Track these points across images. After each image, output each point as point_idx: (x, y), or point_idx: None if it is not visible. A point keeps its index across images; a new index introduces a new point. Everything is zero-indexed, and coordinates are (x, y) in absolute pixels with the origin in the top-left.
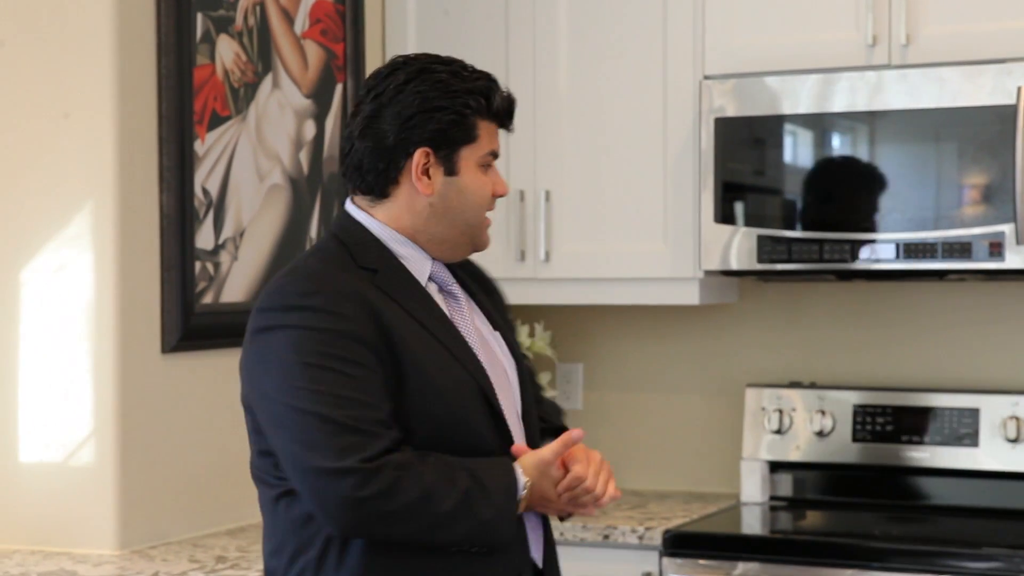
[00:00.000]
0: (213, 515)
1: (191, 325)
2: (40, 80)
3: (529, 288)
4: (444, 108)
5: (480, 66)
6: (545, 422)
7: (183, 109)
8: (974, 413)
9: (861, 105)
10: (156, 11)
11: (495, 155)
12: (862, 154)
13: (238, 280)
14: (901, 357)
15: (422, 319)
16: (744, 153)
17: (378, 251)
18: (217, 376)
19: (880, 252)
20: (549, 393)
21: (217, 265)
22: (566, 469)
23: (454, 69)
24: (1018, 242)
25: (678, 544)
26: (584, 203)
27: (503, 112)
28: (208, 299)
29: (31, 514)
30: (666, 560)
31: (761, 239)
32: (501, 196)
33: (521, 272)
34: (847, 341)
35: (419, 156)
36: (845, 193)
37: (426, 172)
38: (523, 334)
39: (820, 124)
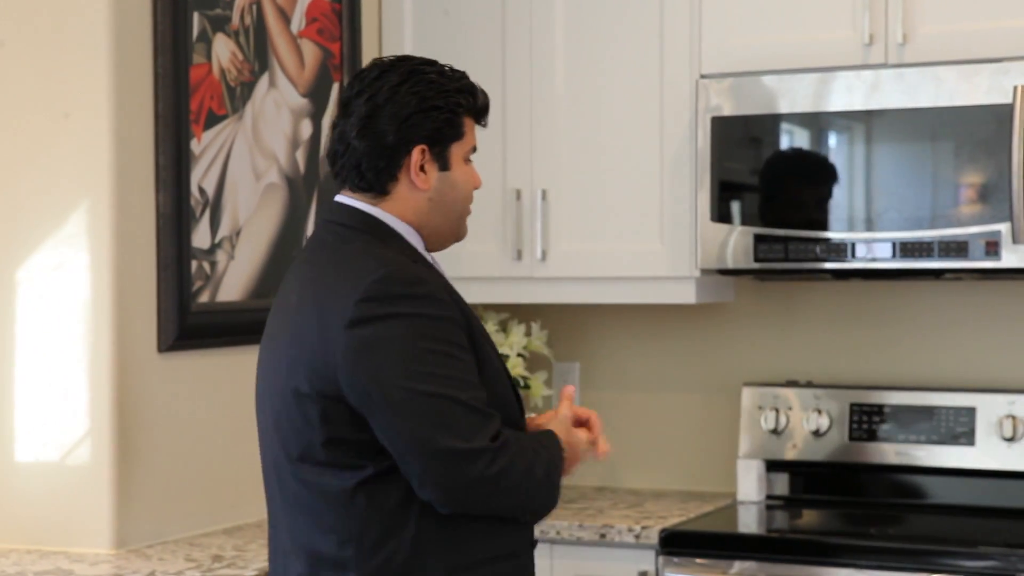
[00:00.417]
0: (210, 514)
1: (187, 324)
2: (37, 79)
3: (526, 287)
4: (439, 107)
5: (477, 65)
6: None
7: (179, 108)
8: (970, 412)
9: (858, 104)
10: (152, 10)
11: (474, 149)
12: (859, 153)
13: (235, 279)
14: (897, 356)
15: (464, 310)
16: (741, 152)
17: (408, 247)
18: (214, 375)
19: (877, 251)
20: (545, 392)
21: (213, 264)
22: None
23: (440, 70)
24: (1014, 241)
25: (674, 543)
26: (581, 202)
27: (483, 109)
28: (204, 298)
29: (27, 513)
30: (662, 559)
31: (758, 238)
32: (477, 188)
33: (518, 271)
34: (843, 340)
35: (417, 154)
36: (842, 192)
37: (422, 168)
38: (520, 333)
39: (817, 123)
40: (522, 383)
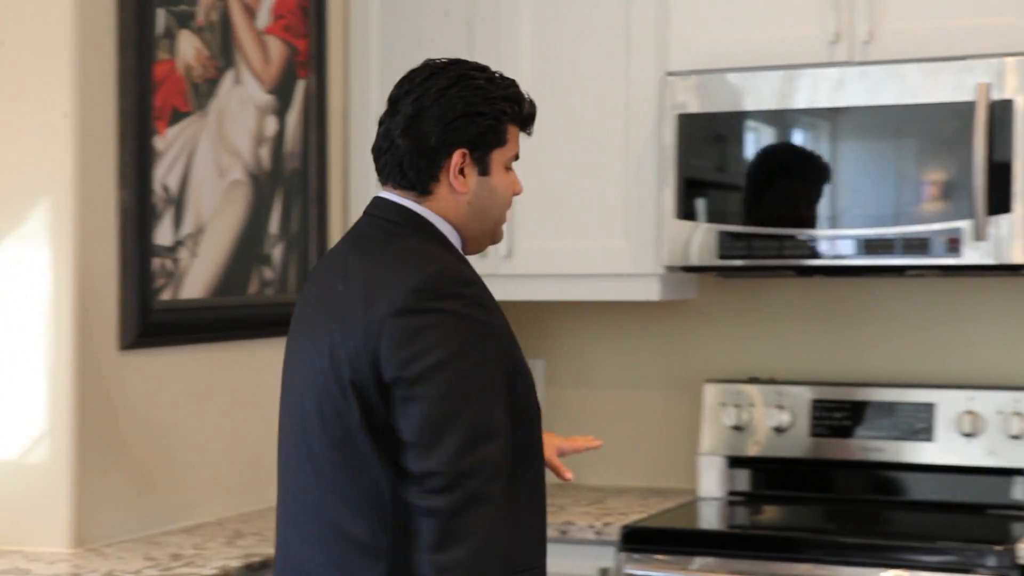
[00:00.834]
0: (169, 513)
1: (149, 322)
2: None
3: (491, 284)
4: (484, 114)
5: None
6: None
7: (143, 105)
8: (930, 408)
9: (823, 102)
10: (116, 6)
11: (517, 157)
12: (823, 151)
13: (198, 277)
14: (859, 352)
15: (501, 313)
16: (706, 149)
17: (451, 245)
18: (176, 373)
19: (840, 248)
20: None
21: (176, 261)
22: None
23: (489, 76)
24: (975, 238)
25: (635, 539)
26: (546, 199)
27: (529, 118)
28: (167, 296)
29: None
30: (623, 555)
31: (722, 235)
32: (517, 194)
33: (483, 268)
34: (806, 337)
35: (457, 157)
36: (806, 189)
37: (461, 172)
38: None
39: (782, 121)
40: None
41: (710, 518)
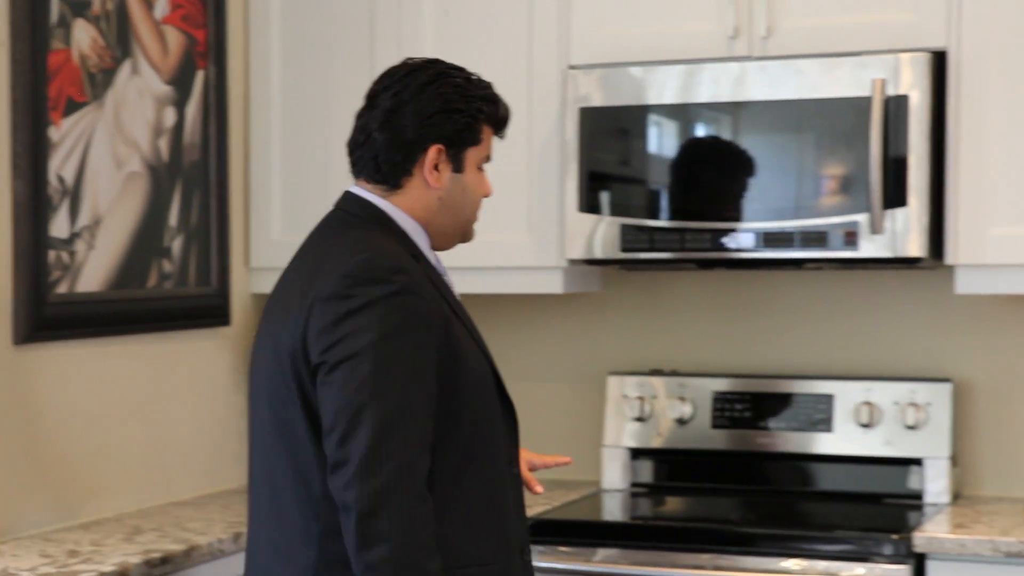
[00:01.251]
0: (66, 509)
1: (44, 316)
2: None
3: None
4: (462, 111)
5: (345, 54)
6: None
7: (37, 95)
8: (829, 399)
9: (724, 96)
10: None
11: (489, 159)
12: (725, 145)
13: (95, 269)
14: (760, 345)
15: (453, 306)
16: (609, 143)
17: (408, 240)
18: (72, 368)
19: (741, 241)
20: None
21: (73, 254)
22: None
23: (467, 76)
24: (872, 232)
25: (539, 531)
26: None
27: (503, 120)
28: (63, 289)
29: None
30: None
31: (625, 228)
32: (487, 196)
33: None
34: (708, 329)
35: (433, 152)
36: (707, 183)
37: (436, 167)
38: None
39: (684, 114)
40: None
41: (613, 510)
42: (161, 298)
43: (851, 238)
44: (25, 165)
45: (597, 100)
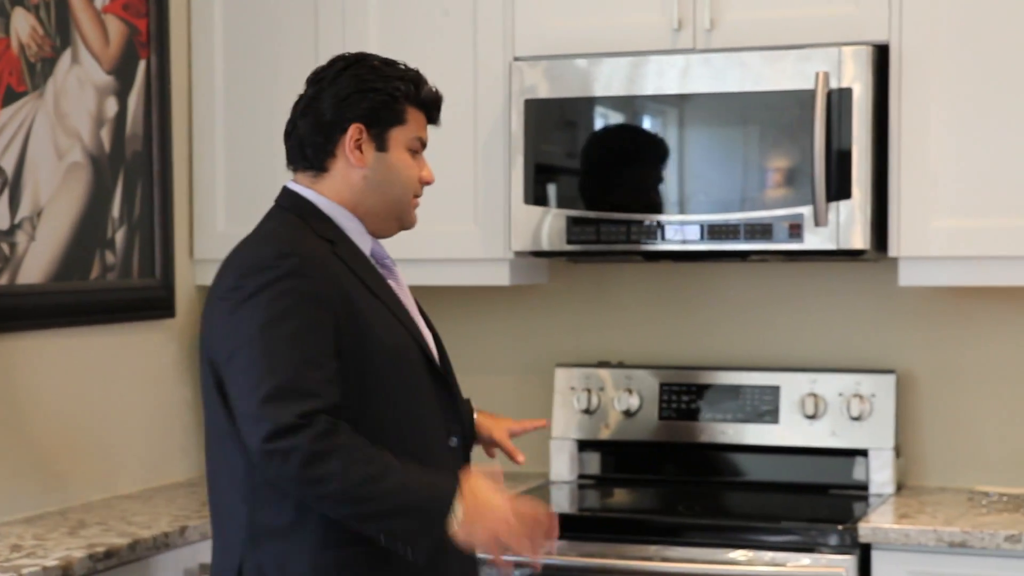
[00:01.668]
0: (8, 503)
1: None
2: None
3: None
4: (377, 89)
5: (288, 43)
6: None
7: None
8: (775, 391)
9: (669, 88)
10: None
11: (423, 143)
12: (671, 137)
13: (36, 261)
14: (706, 337)
15: (373, 288)
16: (555, 135)
17: (329, 224)
18: (12, 361)
19: (686, 233)
20: None
21: (13, 245)
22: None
23: (387, 60)
24: (816, 224)
25: None
26: None
27: (430, 103)
28: (3, 280)
29: None
30: None
31: (571, 220)
32: (428, 183)
33: None
34: (654, 321)
35: (352, 131)
36: (653, 175)
37: (359, 147)
38: None
39: (630, 107)
40: None
41: (561, 501)
42: (104, 290)
43: (795, 230)
44: None
45: (543, 92)
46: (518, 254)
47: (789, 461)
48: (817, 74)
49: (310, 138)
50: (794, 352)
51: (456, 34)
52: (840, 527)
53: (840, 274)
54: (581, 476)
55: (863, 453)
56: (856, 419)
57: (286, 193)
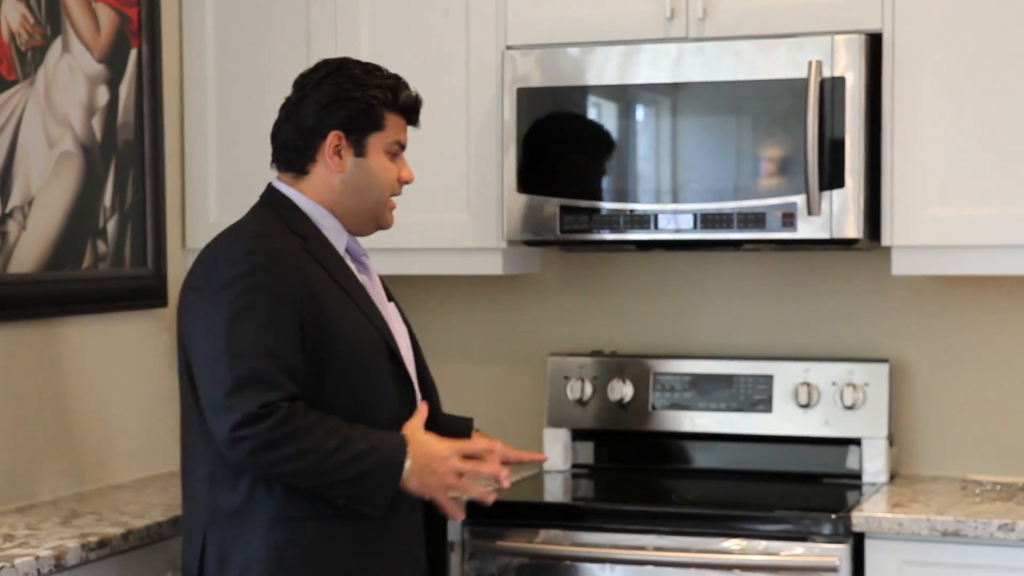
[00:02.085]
0: (1, 493)
1: None
2: None
3: None
4: (355, 98)
5: (280, 31)
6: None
7: None
8: (768, 380)
9: (662, 77)
10: None
11: (401, 145)
12: (664, 126)
13: (28, 250)
14: (699, 326)
15: (343, 283)
16: (547, 124)
17: (305, 221)
18: (6, 350)
19: (679, 222)
20: None
21: (4, 235)
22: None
23: (367, 68)
24: (809, 213)
25: (481, 513)
26: None
27: (408, 107)
28: None
29: None
30: (468, 529)
31: (564, 209)
32: (407, 182)
33: None
34: (647, 310)
35: (332, 138)
36: (646, 164)
37: (338, 153)
38: None
39: (623, 96)
40: None
41: (554, 491)
42: (96, 279)
43: (789, 219)
44: None
45: (535, 81)
46: (511, 243)
47: (782, 450)
48: (810, 63)
49: (292, 142)
50: (787, 341)
51: (449, 23)
52: (833, 516)
53: (833, 263)
54: (575, 466)
55: (856, 442)
56: (849, 408)
57: (269, 190)
